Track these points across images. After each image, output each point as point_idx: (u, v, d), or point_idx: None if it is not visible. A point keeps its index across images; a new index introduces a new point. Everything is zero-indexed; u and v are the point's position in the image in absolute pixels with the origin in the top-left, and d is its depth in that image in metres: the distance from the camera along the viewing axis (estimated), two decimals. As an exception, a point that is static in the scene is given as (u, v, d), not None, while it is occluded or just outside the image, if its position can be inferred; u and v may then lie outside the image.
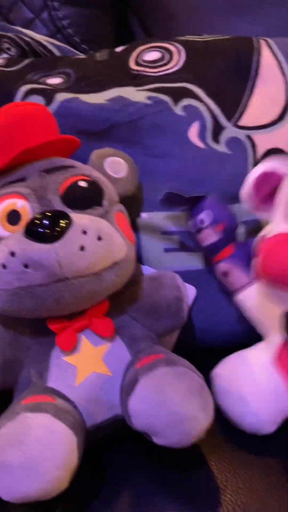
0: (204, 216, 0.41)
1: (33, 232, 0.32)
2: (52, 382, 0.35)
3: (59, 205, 0.35)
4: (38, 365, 0.36)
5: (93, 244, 0.33)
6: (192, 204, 0.42)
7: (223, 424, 0.38)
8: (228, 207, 0.42)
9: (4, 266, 0.32)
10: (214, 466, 0.35)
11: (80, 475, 0.32)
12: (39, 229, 0.32)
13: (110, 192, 0.38)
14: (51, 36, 0.71)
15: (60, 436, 0.30)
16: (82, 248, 0.32)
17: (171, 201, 0.41)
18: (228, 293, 0.43)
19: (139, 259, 0.47)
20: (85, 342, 0.36)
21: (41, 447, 0.29)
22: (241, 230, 0.44)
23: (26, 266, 0.31)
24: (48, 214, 0.33)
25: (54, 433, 0.30)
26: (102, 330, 0.36)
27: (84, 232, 0.32)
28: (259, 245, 0.34)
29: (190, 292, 0.45)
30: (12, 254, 0.31)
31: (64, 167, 0.37)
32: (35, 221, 0.32)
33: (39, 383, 0.35)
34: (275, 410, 0.37)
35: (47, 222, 0.32)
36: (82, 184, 0.36)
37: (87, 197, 0.36)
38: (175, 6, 0.70)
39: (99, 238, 0.33)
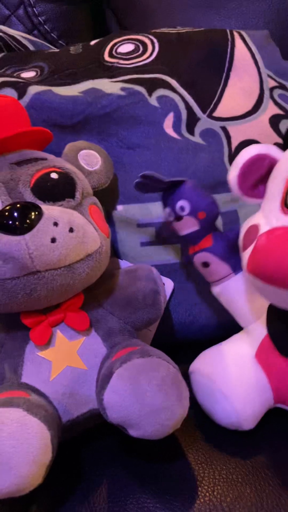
0: (185, 203, 0.39)
1: (2, 224, 0.31)
2: (26, 378, 0.35)
3: (30, 197, 0.34)
4: (12, 360, 0.36)
5: (64, 235, 0.32)
6: (170, 190, 0.40)
7: (200, 416, 0.38)
8: (209, 194, 0.40)
9: None
10: (191, 458, 0.36)
11: (58, 470, 0.32)
12: (9, 221, 0.31)
13: (84, 184, 0.38)
14: (27, 33, 0.71)
15: (32, 431, 0.29)
16: (53, 240, 0.32)
17: (148, 184, 0.39)
18: (206, 284, 0.42)
19: (116, 253, 0.46)
20: (60, 337, 0.36)
21: (13, 441, 0.28)
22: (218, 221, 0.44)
23: None
24: (18, 206, 0.32)
25: (27, 428, 0.29)
26: (77, 324, 0.36)
27: (55, 224, 0.32)
28: (249, 237, 0.33)
29: (167, 285, 0.45)
30: None
31: (36, 159, 0.37)
32: (4, 213, 0.32)
33: (13, 379, 0.35)
34: (257, 406, 0.36)
35: (17, 214, 0.31)
36: (54, 176, 0.36)
37: (59, 189, 0.35)
38: (150, 2, 0.70)
39: (71, 230, 0.33)
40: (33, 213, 0.32)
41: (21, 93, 0.45)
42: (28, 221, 0.31)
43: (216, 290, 0.41)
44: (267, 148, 0.35)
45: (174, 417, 0.31)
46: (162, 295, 0.40)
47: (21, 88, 0.46)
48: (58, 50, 0.54)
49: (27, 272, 0.31)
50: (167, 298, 0.42)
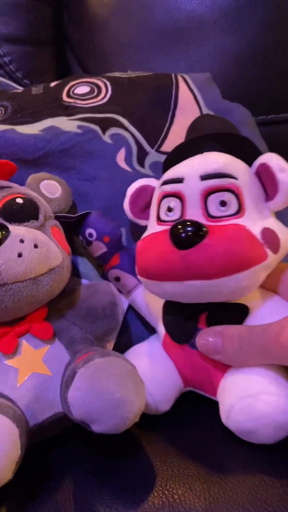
0: (91, 231, 0.46)
1: None
2: None
3: None
4: None
5: (29, 251, 0.36)
6: (80, 221, 0.47)
7: (155, 417, 0.41)
8: (111, 220, 0.47)
9: None
10: (149, 456, 0.38)
11: (26, 472, 0.34)
12: None
13: (46, 208, 0.42)
14: (-6, 72, 0.75)
15: (2, 428, 0.32)
16: (19, 255, 0.36)
17: (63, 223, 0.45)
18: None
19: (78, 274, 0.50)
20: (26, 346, 0.39)
21: None
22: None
23: None
24: None
25: None
26: (42, 333, 0.39)
27: (21, 241, 0.36)
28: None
29: (124, 302, 0.49)
30: None
31: (2, 187, 0.41)
32: None
33: None
34: (168, 388, 0.41)
35: None
36: (19, 200, 0.40)
37: (24, 212, 0.40)
38: (106, 45, 0.74)
39: (36, 246, 0.37)
40: (1, 232, 0.36)
41: (-14, 131, 0.50)
42: None
43: (130, 300, 0.48)
44: (148, 180, 0.44)
45: (133, 409, 0.33)
46: (120, 306, 0.45)
47: (-15, 126, 0.50)
48: (21, 90, 0.59)
49: None
50: (124, 311, 0.46)
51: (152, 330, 0.48)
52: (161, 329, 0.43)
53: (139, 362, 0.41)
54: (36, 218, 0.40)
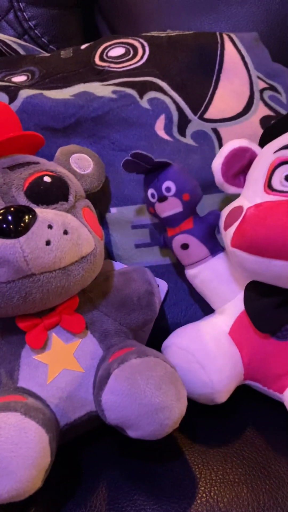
0: (171, 184, 0.40)
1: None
2: (23, 382, 0.35)
3: (23, 201, 0.34)
4: (8, 364, 0.36)
5: (59, 238, 0.32)
6: (154, 172, 0.41)
7: (194, 418, 0.38)
8: (193, 178, 0.41)
9: None
10: (188, 458, 0.36)
11: (56, 472, 0.32)
12: (3, 225, 0.31)
13: (76, 187, 0.38)
14: (18, 38, 0.70)
15: (31, 434, 0.29)
16: (48, 243, 0.32)
17: (135, 163, 0.40)
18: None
19: (111, 255, 0.47)
20: (56, 339, 0.36)
21: (11, 446, 0.28)
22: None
23: None
24: (12, 209, 0.32)
25: (25, 432, 0.29)
26: (73, 327, 0.36)
27: (50, 227, 0.32)
28: (232, 217, 0.36)
29: (161, 287, 0.45)
30: None
31: (28, 164, 0.37)
32: (4, 214, 0.32)
33: (9, 384, 0.35)
34: (231, 379, 0.37)
35: (11, 218, 0.31)
36: (47, 179, 0.36)
37: (52, 192, 0.36)
38: (140, 6, 0.70)
39: (65, 232, 0.33)
40: (27, 216, 0.32)
41: (12, 97, 0.45)
42: (22, 224, 0.31)
43: (192, 272, 0.42)
44: (249, 142, 0.39)
45: (172, 416, 0.31)
46: (157, 296, 0.40)
47: (12, 92, 0.46)
48: (49, 54, 0.54)
49: (22, 275, 0.31)
50: (162, 299, 0.42)
51: (194, 317, 0.44)
52: (232, 311, 0.39)
53: (199, 345, 0.38)
54: (66, 199, 0.36)
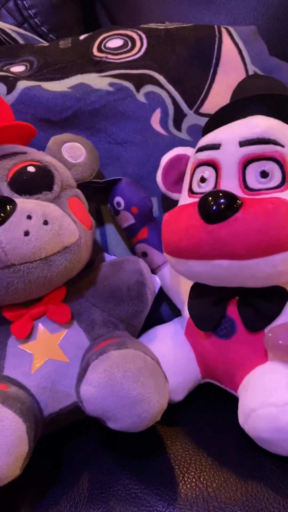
0: (119, 199, 0.42)
1: None
2: (8, 370, 0.35)
3: (7, 191, 0.34)
4: None
5: (38, 228, 0.32)
6: (110, 188, 0.43)
7: (184, 405, 0.39)
8: (142, 189, 0.43)
9: None
10: (178, 447, 0.36)
11: (44, 461, 0.33)
12: None
13: (64, 177, 0.38)
14: (18, 26, 0.70)
15: (7, 423, 0.29)
16: (26, 233, 0.32)
17: (90, 187, 0.42)
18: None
19: (105, 248, 0.47)
20: (42, 330, 0.36)
21: None
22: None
23: None
24: None
25: (1, 420, 0.29)
26: (59, 317, 0.36)
27: (29, 217, 0.32)
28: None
29: (156, 282, 0.45)
30: None
31: (15, 154, 0.37)
32: None
33: None
34: (183, 378, 0.38)
35: None
36: (31, 169, 0.36)
37: (35, 182, 0.36)
38: (139, -4, 0.70)
39: (45, 223, 0.33)
40: (7, 207, 0.32)
41: (10, 88, 0.46)
42: (1, 214, 0.31)
43: (157, 277, 0.43)
44: (184, 149, 0.40)
45: (151, 409, 0.31)
46: (149, 287, 0.40)
47: (10, 82, 0.46)
48: (47, 44, 0.54)
49: (2, 266, 0.32)
50: (155, 292, 0.42)
51: (178, 313, 0.44)
52: (186, 313, 0.40)
53: (157, 345, 0.38)
54: (50, 189, 0.36)
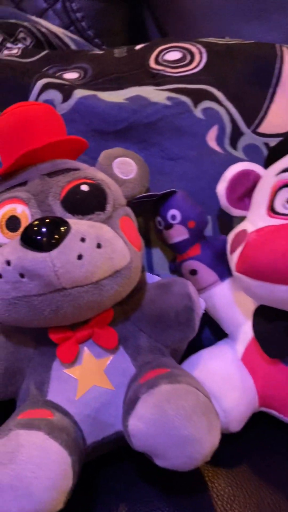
0: (176, 212, 0.40)
1: (29, 239, 0.30)
2: (52, 395, 0.34)
3: (59, 210, 0.33)
4: (39, 376, 0.35)
5: (91, 252, 0.31)
6: (162, 200, 0.41)
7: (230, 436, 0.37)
8: (199, 205, 0.41)
9: (0, 276, 0.30)
10: (221, 481, 0.35)
11: (75, 492, 0.31)
12: (36, 237, 0.30)
13: (116, 195, 0.36)
14: (64, 28, 0.69)
15: (52, 456, 0.28)
16: (79, 257, 0.30)
17: (142, 203, 0.40)
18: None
19: (150, 265, 0.46)
20: (87, 354, 0.35)
21: (32, 466, 0.27)
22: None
23: (22, 275, 0.30)
24: (46, 221, 0.31)
25: (47, 452, 0.28)
26: (105, 342, 0.35)
27: (83, 240, 0.31)
28: (237, 241, 0.35)
29: (201, 305, 0.44)
30: (8, 263, 0.30)
31: (68, 170, 0.35)
32: (32, 228, 0.30)
33: (38, 396, 0.34)
34: (244, 408, 0.36)
35: (44, 230, 0.30)
36: (84, 188, 0.34)
37: (88, 202, 0.34)
38: (191, 7, 0.68)
39: (99, 246, 0.31)
40: (61, 229, 0.30)
41: (66, 96, 0.45)
42: (56, 236, 0.30)
43: (203, 297, 0.41)
44: (252, 165, 0.39)
45: (202, 450, 0.29)
46: (197, 312, 0.38)
47: (66, 91, 0.45)
48: (102, 52, 0.53)
49: (53, 289, 0.30)
50: (200, 316, 0.40)
51: (219, 334, 0.43)
52: (243, 337, 0.38)
53: (210, 373, 0.37)
54: (103, 209, 0.34)
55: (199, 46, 0.49)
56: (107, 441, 0.34)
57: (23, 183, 0.34)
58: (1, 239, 0.33)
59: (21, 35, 0.55)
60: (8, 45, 0.55)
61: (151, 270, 0.45)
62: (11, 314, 0.31)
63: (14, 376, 0.35)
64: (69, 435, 0.31)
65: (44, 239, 0.30)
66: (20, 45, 0.56)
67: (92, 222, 0.33)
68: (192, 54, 0.49)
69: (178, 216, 0.40)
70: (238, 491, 0.34)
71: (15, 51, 0.52)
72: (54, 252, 0.29)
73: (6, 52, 0.52)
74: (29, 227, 0.31)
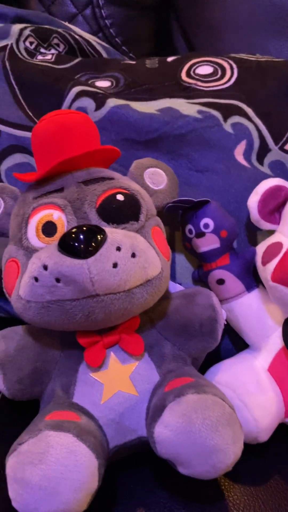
0: (209, 221, 0.41)
1: (67, 246, 0.31)
2: (77, 398, 0.35)
3: (94, 218, 0.34)
4: (65, 378, 0.35)
5: (126, 261, 0.32)
6: (192, 208, 0.41)
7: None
8: (231, 216, 0.42)
9: (36, 279, 0.31)
10: (237, 491, 0.35)
11: (97, 494, 0.31)
12: (74, 244, 0.31)
13: (148, 205, 0.37)
14: (93, 34, 0.70)
15: (81, 458, 0.29)
16: (115, 265, 0.31)
17: (177, 207, 0.41)
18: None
19: (173, 274, 0.46)
20: (113, 359, 0.35)
21: (61, 467, 0.28)
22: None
23: (57, 280, 0.30)
24: (84, 228, 0.31)
25: (75, 455, 0.29)
26: (132, 348, 0.35)
27: (118, 249, 0.31)
28: (271, 253, 0.37)
29: (223, 314, 0.44)
30: (45, 267, 0.30)
31: (103, 179, 0.36)
32: (71, 235, 0.31)
33: (64, 397, 0.35)
34: (273, 417, 0.37)
35: (82, 237, 0.31)
36: (120, 197, 0.35)
37: (124, 212, 0.35)
38: (218, 20, 0.69)
39: (133, 255, 0.32)
40: (98, 237, 0.31)
41: (99, 105, 0.45)
42: (93, 244, 0.31)
43: (227, 306, 0.42)
44: (284, 181, 0.40)
45: (226, 460, 0.30)
46: (220, 324, 0.39)
47: (99, 99, 0.46)
48: (134, 62, 0.54)
49: (86, 295, 0.31)
50: (223, 327, 0.41)
51: (238, 344, 0.43)
52: (271, 348, 0.39)
53: (239, 381, 0.37)
54: (137, 219, 0.35)
55: (231, 61, 0.50)
56: (129, 446, 0.34)
57: (59, 190, 0.35)
58: (37, 243, 0.33)
59: (55, 41, 0.56)
60: (42, 50, 0.56)
61: (174, 278, 0.46)
62: (44, 317, 0.32)
63: (40, 377, 0.36)
64: (96, 438, 0.31)
65: (82, 246, 0.30)
66: (53, 51, 0.57)
67: (126, 232, 0.34)
68: (223, 69, 0.50)
69: (211, 225, 0.41)
70: (254, 501, 0.34)
71: (49, 57, 0.53)
72: (91, 260, 0.30)
73: (40, 57, 0.53)
74: (68, 234, 0.31)
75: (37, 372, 0.36)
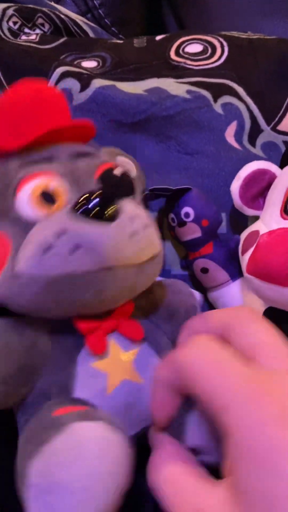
0: (189, 210, 0.40)
1: (86, 210, 0.28)
2: (80, 392, 0.31)
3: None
4: (61, 372, 0.32)
5: (140, 232, 0.30)
6: (175, 196, 0.40)
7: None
8: (212, 203, 0.41)
9: (47, 248, 0.28)
10: None
11: None
12: (94, 208, 0.28)
13: (137, 184, 0.35)
14: (81, 15, 0.68)
15: (118, 448, 0.26)
16: (132, 235, 0.29)
17: (155, 195, 0.40)
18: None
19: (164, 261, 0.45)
20: (114, 346, 0.33)
21: (100, 462, 0.25)
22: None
23: (76, 247, 0.28)
24: (101, 193, 0.29)
25: (112, 445, 0.26)
26: (132, 333, 0.33)
27: (134, 219, 0.30)
28: (249, 241, 0.35)
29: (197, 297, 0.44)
30: (62, 232, 0.28)
31: (90, 154, 0.34)
32: (89, 198, 0.29)
33: (61, 395, 0.31)
34: None
35: (101, 202, 0.29)
36: (117, 171, 0.33)
37: (122, 186, 0.33)
38: (211, 0, 0.67)
39: (145, 227, 0.30)
40: (115, 205, 0.29)
41: (84, 85, 0.44)
42: (110, 211, 0.29)
43: (212, 296, 0.41)
44: (268, 164, 0.39)
45: None
46: (199, 311, 0.38)
47: (84, 80, 0.44)
48: (121, 41, 0.52)
49: (102, 266, 0.28)
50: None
51: None
52: None
53: None
54: (133, 195, 0.33)
55: (221, 39, 0.48)
56: (134, 438, 0.32)
57: (47, 159, 0.32)
58: (31, 213, 0.30)
59: (40, 20, 0.54)
60: (26, 30, 0.54)
61: (163, 265, 0.45)
62: (47, 296, 0.29)
63: (28, 375, 0.32)
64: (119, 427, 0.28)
65: (103, 211, 0.28)
66: (38, 31, 0.55)
67: (136, 203, 0.32)
68: (213, 47, 0.48)
69: (192, 214, 0.40)
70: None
71: (33, 37, 0.51)
72: (112, 226, 0.28)
73: (24, 37, 0.51)
74: (87, 197, 0.29)
75: (27, 370, 0.32)
